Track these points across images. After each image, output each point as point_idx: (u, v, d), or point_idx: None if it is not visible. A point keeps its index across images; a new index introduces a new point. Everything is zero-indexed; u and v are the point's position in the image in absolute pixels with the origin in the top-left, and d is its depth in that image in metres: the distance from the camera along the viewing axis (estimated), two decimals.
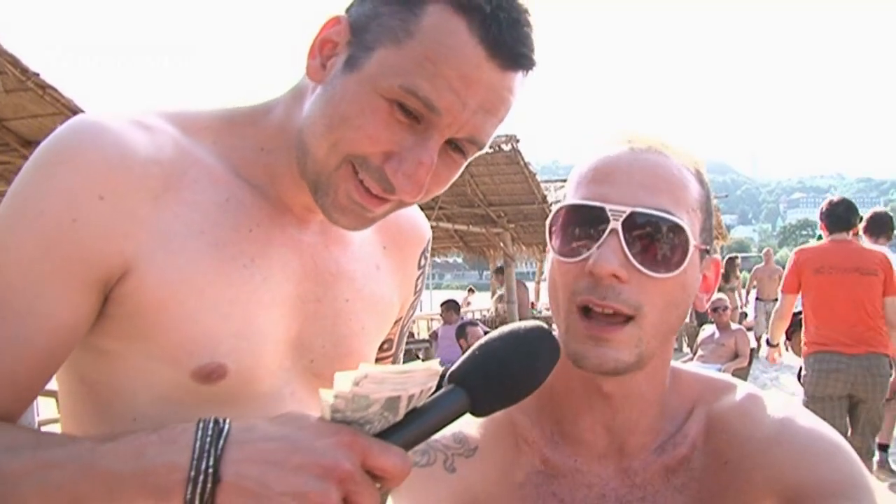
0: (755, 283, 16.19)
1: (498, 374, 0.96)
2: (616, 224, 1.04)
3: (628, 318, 1.05)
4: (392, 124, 1.04)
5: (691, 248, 1.06)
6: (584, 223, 1.07)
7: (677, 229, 1.05)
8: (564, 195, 1.15)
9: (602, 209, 1.05)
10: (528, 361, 0.98)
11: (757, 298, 16.13)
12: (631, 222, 1.04)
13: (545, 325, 1.02)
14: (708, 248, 1.13)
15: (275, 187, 1.20)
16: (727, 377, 1.27)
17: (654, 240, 1.05)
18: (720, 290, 13.22)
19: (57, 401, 1.29)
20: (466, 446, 1.16)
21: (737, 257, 16.52)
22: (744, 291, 16.92)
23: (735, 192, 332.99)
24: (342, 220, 1.13)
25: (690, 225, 1.07)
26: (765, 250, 17.08)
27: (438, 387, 0.95)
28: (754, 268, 16.42)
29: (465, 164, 1.13)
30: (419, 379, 0.88)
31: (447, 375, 0.97)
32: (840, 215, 5.59)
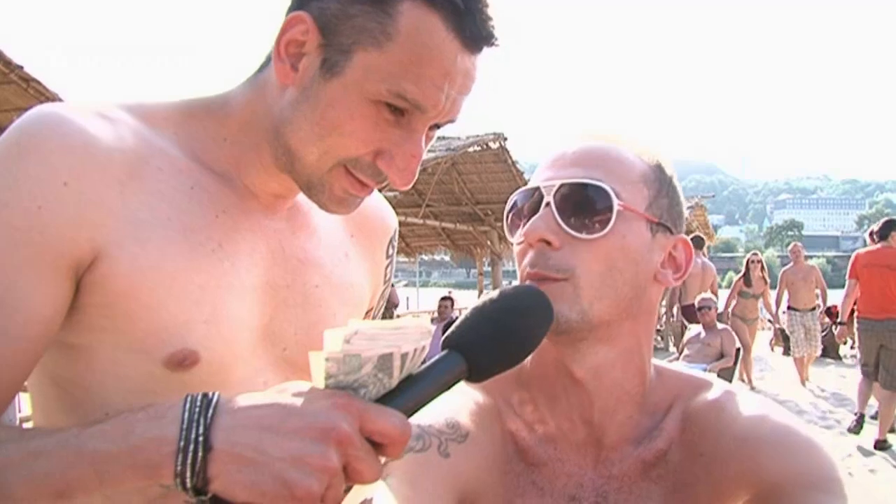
0: (785, 287, 12.63)
1: (493, 334, 0.94)
2: (549, 197, 1.12)
3: (561, 280, 1.10)
4: (380, 123, 1.08)
5: (615, 208, 1.11)
6: (529, 207, 1.16)
7: (599, 191, 1.11)
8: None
9: (538, 188, 1.15)
10: (522, 320, 0.98)
11: (790, 307, 12.71)
12: (560, 194, 1.12)
13: (535, 286, 1.05)
14: (665, 224, 1.18)
15: (241, 177, 1.21)
16: (706, 375, 1.29)
17: (580, 205, 1.11)
18: (742, 294, 12.24)
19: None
20: (459, 432, 1.16)
21: (757, 254, 13.03)
22: (772, 299, 13.15)
23: (722, 192, 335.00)
24: (338, 210, 1.18)
25: (622, 192, 1.13)
26: (791, 246, 13.25)
27: None
28: (783, 270, 12.76)
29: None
30: (412, 336, 0.86)
31: (441, 341, 0.95)
32: (882, 231, 8.68)
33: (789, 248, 13.19)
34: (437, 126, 1.14)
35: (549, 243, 1.10)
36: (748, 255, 13.09)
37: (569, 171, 1.14)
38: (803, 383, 12.35)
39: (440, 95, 1.07)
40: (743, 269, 12.73)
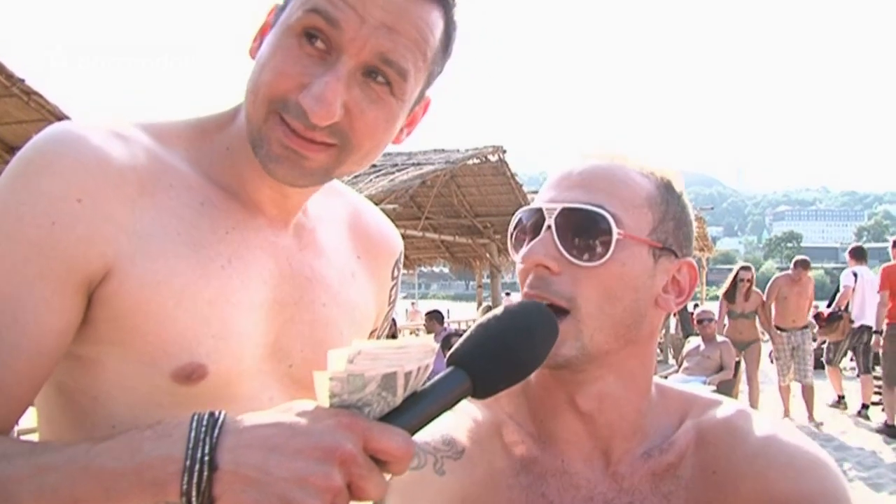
0: (774, 299, 10.74)
1: (497, 351, 0.95)
2: (550, 220, 1.11)
3: (565, 312, 1.09)
4: (302, 57, 1.08)
5: (615, 236, 1.10)
6: (531, 227, 1.15)
7: (600, 218, 1.10)
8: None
9: (540, 210, 1.13)
10: (527, 337, 0.98)
11: (777, 327, 10.77)
12: (562, 217, 1.11)
13: (539, 302, 1.05)
14: (668, 247, 1.16)
15: (244, 187, 1.22)
16: (713, 394, 1.29)
17: (581, 231, 1.10)
18: (730, 314, 10.59)
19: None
20: (455, 448, 1.16)
21: (749, 268, 10.99)
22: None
23: (721, 204, 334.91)
24: (279, 171, 1.12)
25: (625, 217, 1.11)
26: (795, 260, 11.07)
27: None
28: (773, 278, 11.06)
29: (399, 105, 1.14)
30: (415, 355, 0.87)
31: (446, 358, 0.95)
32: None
33: (794, 262, 11.05)
34: (384, 77, 1.10)
35: (548, 268, 1.09)
36: (736, 268, 11.05)
37: (572, 193, 1.13)
38: (787, 414, 10.73)
39: (353, 14, 1.05)
40: (729, 284, 10.80)
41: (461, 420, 1.20)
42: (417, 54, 1.10)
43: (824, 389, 12.08)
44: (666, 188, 1.18)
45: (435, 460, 1.14)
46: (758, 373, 10.79)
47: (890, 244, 10.14)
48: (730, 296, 10.67)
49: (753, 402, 10.29)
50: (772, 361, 11.53)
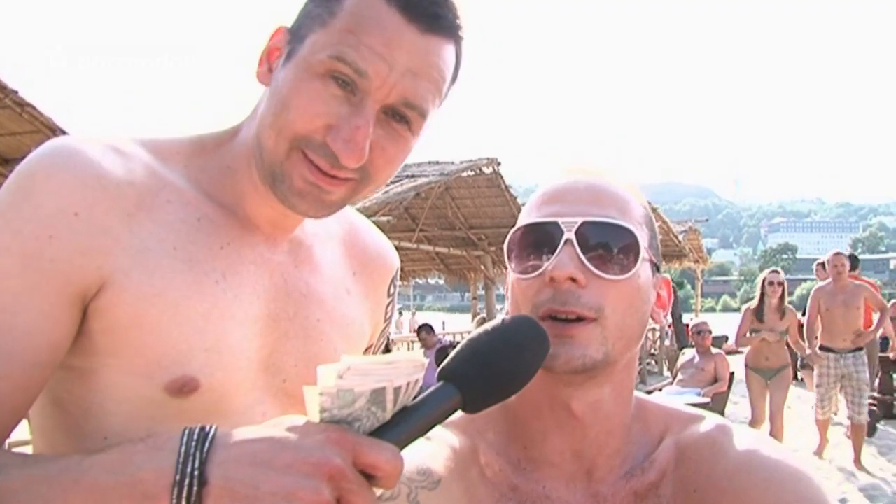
0: (818, 314, 8.79)
1: (487, 366, 0.95)
2: (570, 234, 1.08)
3: (590, 320, 1.08)
4: (328, 98, 1.09)
5: (642, 251, 1.11)
6: (539, 241, 1.12)
7: (627, 233, 1.10)
8: (517, 223, 1.20)
9: (555, 223, 1.10)
10: (517, 352, 0.98)
11: (823, 347, 8.79)
12: (583, 231, 1.08)
13: (532, 317, 1.04)
14: (657, 263, 1.19)
15: (242, 205, 1.24)
16: (694, 409, 1.29)
17: (606, 245, 1.10)
18: (754, 333, 8.49)
19: (29, 421, 1.29)
20: (430, 478, 1.13)
21: (778, 273, 8.74)
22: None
23: (716, 216, 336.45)
24: (301, 206, 1.15)
25: (639, 232, 1.12)
26: (818, 262, 9.58)
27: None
28: (815, 288, 9.09)
29: (415, 140, 1.18)
30: (404, 370, 0.87)
31: (437, 373, 0.96)
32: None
33: (827, 258, 9.01)
34: (403, 117, 1.13)
35: (575, 281, 1.07)
36: (764, 274, 8.73)
37: (583, 207, 1.11)
38: (821, 452, 9.19)
39: (382, 64, 1.07)
40: (757, 296, 8.69)
41: (438, 448, 1.17)
42: (436, 93, 1.14)
43: (808, 401, 12.07)
44: (646, 206, 1.20)
45: (409, 491, 1.10)
46: (781, 411, 8.71)
47: (886, 255, 10.27)
48: (759, 312, 8.56)
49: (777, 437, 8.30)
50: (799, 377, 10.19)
